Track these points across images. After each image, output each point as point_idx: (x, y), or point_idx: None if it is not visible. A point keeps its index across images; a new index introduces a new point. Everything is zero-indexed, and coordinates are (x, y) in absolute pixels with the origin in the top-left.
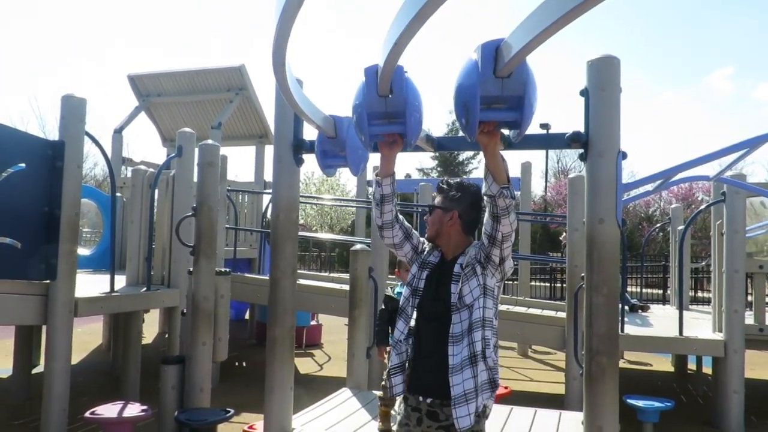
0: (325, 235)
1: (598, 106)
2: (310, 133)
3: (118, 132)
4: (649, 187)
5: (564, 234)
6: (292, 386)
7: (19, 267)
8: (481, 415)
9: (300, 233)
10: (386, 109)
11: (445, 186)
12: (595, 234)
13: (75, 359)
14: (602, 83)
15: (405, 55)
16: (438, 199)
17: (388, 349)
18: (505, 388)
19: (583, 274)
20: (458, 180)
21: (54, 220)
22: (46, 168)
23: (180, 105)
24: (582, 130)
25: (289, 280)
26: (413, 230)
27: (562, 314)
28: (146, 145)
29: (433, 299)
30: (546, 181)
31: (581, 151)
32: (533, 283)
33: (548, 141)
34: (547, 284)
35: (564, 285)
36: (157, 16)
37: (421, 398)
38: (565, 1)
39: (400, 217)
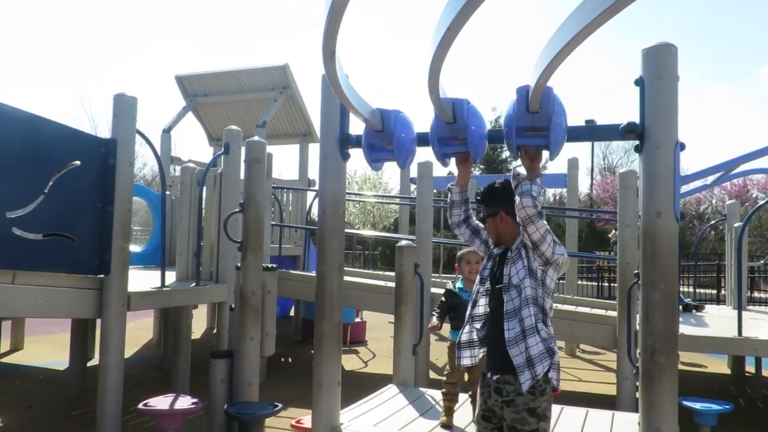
0: (368, 232)
1: (654, 95)
2: (355, 128)
3: (167, 132)
4: (706, 180)
5: (613, 231)
6: (340, 381)
7: (74, 261)
8: (545, 383)
9: (356, 231)
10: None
11: (480, 197)
12: (651, 228)
13: (127, 353)
14: (658, 71)
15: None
16: (482, 211)
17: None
18: None
19: (636, 271)
20: (487, 186)
21: (107, 216)
22: (99, 165)
23: (226, 104)
24: (637, 120)
25: (335, 275)
26: (482, 228)
27: (612, 313)
28: (193, 145)
29: (493, 283)
30: (591, 178)
31: (635, 144)
32: (579, 282)
33: (602, 133)
34: (594, 283)
35: (612, 284)
36: (201, 16)
37: (489, 374)
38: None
39: (471, 218)
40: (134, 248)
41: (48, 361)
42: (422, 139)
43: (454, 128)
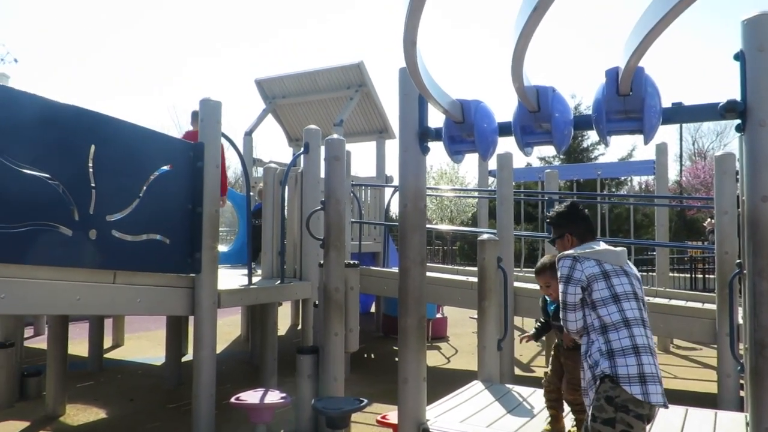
0: (447, 227)
1: (756, 69)
2: (433, 122)
3: (249, 134)
4: None
5: (709, 219)
6: (425, 377)
7: (168, 261)
8: (597, 411)
9: (436, 226)
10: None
11: (549, 220)
12: (757, 214)
13: (218, 349)
14: (761, 43)
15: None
16: (553, 233)
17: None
18: None
19: (738, 261)
20: (554, 211)
21: (197, 217)
22: (188, 168)
23: (303, 105)
24: (737, 98)
25: (418, 270)
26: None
27: (710, 306)
28: (272, 146)
29: None
30: (681, 164)
31: (732, 124)
32: (671, 275)
33: (699, 113)
34: (687, 275)
35: (706, 275)
36: (273, 21)
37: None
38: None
39: None
40: (221, 248)
41: (146, 357)
42: (503, 129)
43: (538, 116)
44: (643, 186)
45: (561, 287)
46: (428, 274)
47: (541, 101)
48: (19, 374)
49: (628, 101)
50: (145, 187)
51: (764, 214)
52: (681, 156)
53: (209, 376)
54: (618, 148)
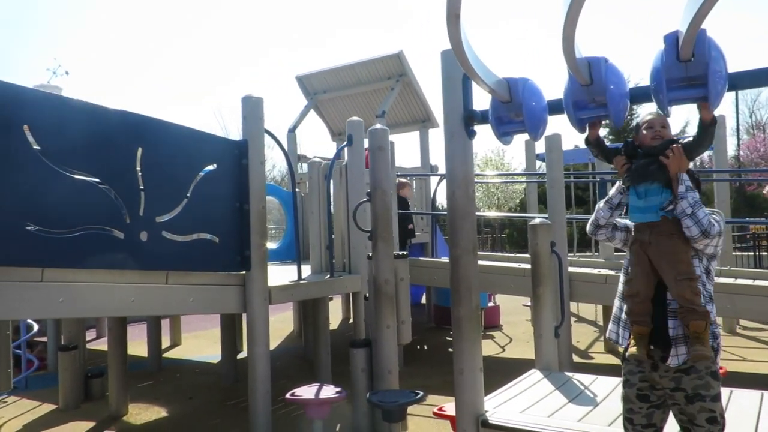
0: (495, 213)
1: None
2: (479, 104)
3: (292, 131)
4: None
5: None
6: (482, 367)
7: (219, 260)
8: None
9: (485, 213)
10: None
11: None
12: None
13: (271, 345)
14: None
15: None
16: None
17: None
18: (720, 368)
19: None
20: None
21: (244, 215)
22: (234, 166)
23: (345, 99)
24: None
25: (470, 258)
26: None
27: None
28: (315, 142)
29: None
30: (738, 138)
31: None
32: (734, 253)
33: None
34: (750, 253)
35: None
36: (309, 17)
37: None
38: None
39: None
40: (270, 245)
41: (203, 355)
42: (553, 107)
43: (591, 90)
44: (697, 163)
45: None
46: (481, 262)
47: (593, 73)
48: (83, 376)
49: (690, 67)
50: (192, 187)
51: None
52: (738, 129)
53: (264, 372)
54: (673, 122)
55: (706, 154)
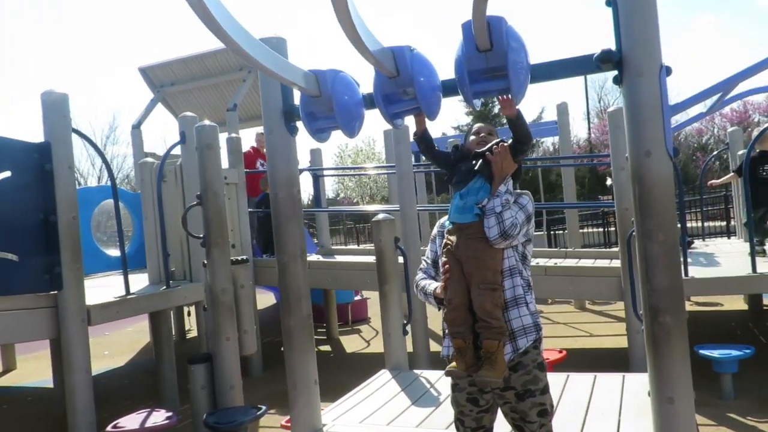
0: (350, 208)
1: (630, 15)
2: None
3: (136, 127)
4: (701, 108)
5: (608, 178)
6: (317, 379)
7: (21, 281)
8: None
9: (337, 207)
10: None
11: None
12: (642, 170)
13: (122, 360)
14: None
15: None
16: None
17: None
18: (560, 351)
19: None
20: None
21: (51, 227)
22: (34, 173)
23: (195, 91)
24: (613, 47)
25: (297, 264)
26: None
27: (618, 263)
28: (172, 139)
29: None
30: (588, 122)
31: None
32: (586, 230)
33: (574, 66)
34: (600, 229)
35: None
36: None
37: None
38: None
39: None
40: (114, 252)
41: (41, 380)
42: (369, 101)
43: (399, 82)
44: (557, 147)
45: (522, 217)
46: (339, 258)
47: (399, 63)
48: None
49: (490, 58)
50: None
51: (649, 170)
52: (588, 113)
53: (85, 402)
54: (527, 110)
55: (550, 140)
